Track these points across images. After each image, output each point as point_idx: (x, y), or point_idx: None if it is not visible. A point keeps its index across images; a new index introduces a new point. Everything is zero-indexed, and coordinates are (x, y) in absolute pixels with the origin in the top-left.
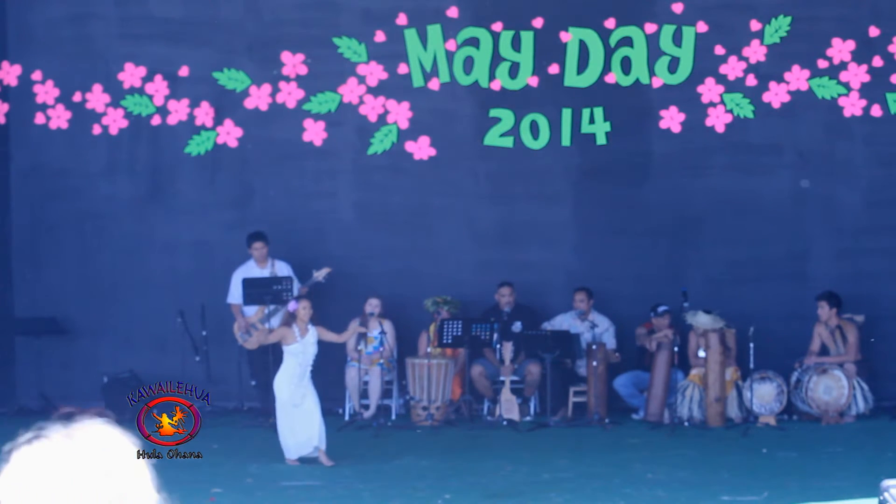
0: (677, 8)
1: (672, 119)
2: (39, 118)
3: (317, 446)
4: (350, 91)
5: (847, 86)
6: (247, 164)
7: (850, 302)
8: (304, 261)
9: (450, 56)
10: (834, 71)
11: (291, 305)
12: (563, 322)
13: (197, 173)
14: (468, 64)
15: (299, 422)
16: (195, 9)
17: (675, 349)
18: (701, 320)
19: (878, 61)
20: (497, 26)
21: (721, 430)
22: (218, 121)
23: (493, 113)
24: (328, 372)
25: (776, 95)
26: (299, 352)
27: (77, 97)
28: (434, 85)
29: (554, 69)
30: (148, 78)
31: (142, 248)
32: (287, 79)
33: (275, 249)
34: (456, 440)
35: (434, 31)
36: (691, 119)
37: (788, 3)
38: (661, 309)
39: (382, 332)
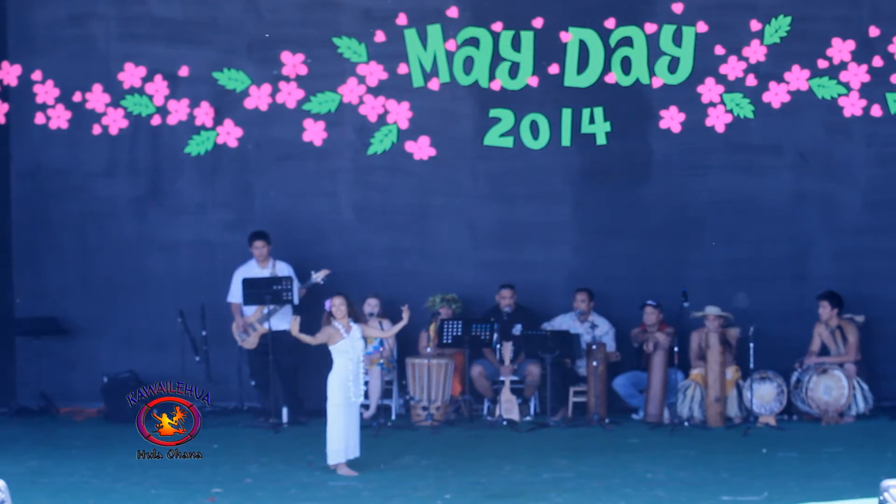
0: (677, 8)
1: (672, 119)
2: (39, 118)
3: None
4: (350, 91)
5: (847, 86)
6: (247, 164)
7: (850, 302)
8: (304, 261)
9: (450, 56)
10: (834, 71)
11: (327, 304)
12: (563, 323)
13: (197, 173)
14: (468, 64)
15: (352, 424)
16: (195, 9)
17: (675, 349)
18: (711, 309)
19: (878, 61)
20: (497, 26)
21: (721, 430)
22: (218, 121)
23: (493, 113)
24: (327, 371)
25: (776, 95)
26: (347, 348)
27: (77, 97)
28: (434, 85)
29: (554, 69)
30: (148, 78)
31: (142, 248)
32: (287, 79)
33: (275, 249)
34: (456, 440)
35: (434, 31)
36: (691, 119)
37: (788, 3)
38: (646, 303)
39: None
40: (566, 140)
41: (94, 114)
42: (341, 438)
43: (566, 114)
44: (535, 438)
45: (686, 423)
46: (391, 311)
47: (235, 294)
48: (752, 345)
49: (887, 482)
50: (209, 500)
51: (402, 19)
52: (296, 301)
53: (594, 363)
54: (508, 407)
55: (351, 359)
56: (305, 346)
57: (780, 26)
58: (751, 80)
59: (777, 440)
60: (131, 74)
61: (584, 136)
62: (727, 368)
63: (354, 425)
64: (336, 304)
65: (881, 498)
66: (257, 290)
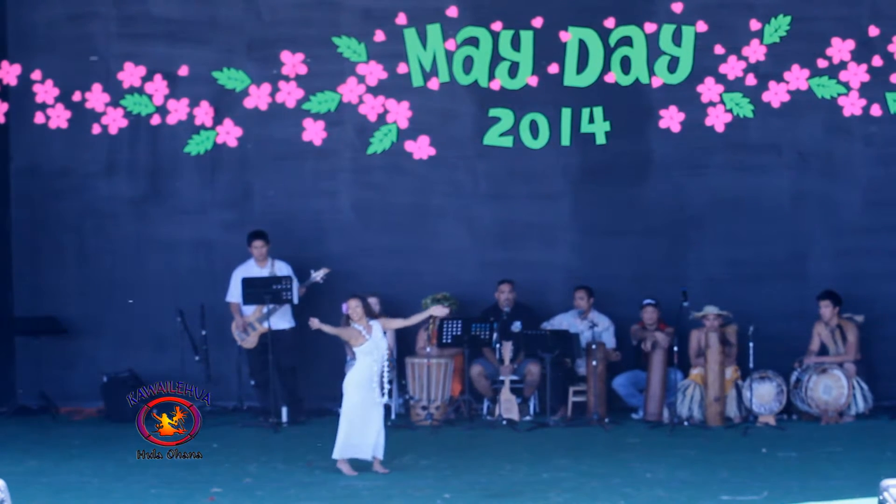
0: (677, 8)
1: (672, 119)
2: (39, 118)
3: (374, 455)
4: (350, 91)
5: (847, 85)
6: (247, 164)
7: (850, 302)
8: (304, 261)
9: (449, 56)
10: (834, 71)
11: (344, 308)
12: (563, 321)
13: (197, 173)
14: (468, 63)
15: (358, 424)
16: (195, 9)
17: (675, 349)
18: (710, 309)
19: (877, 61)
20: (497, 26)
21: (721, 429)
22: (218, 120)
23: (493, 112)
24: (327, 371)
25: (776, 95)
26: (372, 349)
27: (77, 97)
28: (434, 85)
29: (554, 69)
30: (148, 77)
31: (142, 248)
32: (287, 78)
33: (275, 249)
34: (456, 440)
35: (434, 30)
36: (691, 119)
37: (788, 2)
38: (645, 302)
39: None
40: (566, 140)
41: (94, 113)
42: (350, 435)
43: (566, 113)
44: (535, 438)
45: (685, 423)
46: (391, 311)
47: (234, 294)
48: (751, 344)
49: (887, 482)
50: (209, 499)
51: (401, 19)
52: (295, 300)
53: (594, 363)
54: (508, 406)
55: (376, 359)
56: (305, 345)
57: (779, 26)
58: (750, 80)
59: (777, 440)
60: (131, 74)
61: (584, 135)
62: (726, 368)
63: (375, 425)
64: (352, 307)
65: (881, 498)
66: (257, 290)
